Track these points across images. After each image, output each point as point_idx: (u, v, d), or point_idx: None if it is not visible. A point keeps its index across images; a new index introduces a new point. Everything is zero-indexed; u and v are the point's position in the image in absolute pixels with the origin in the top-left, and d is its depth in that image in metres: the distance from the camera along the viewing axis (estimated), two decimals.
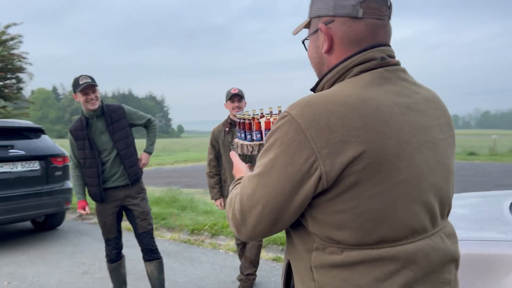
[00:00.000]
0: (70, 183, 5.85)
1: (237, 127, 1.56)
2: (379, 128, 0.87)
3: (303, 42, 1.14)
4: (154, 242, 3.45)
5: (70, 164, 3.38)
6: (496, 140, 24.66)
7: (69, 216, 7.19)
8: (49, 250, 5.19)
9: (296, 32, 1.15)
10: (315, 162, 0.86)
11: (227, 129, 3.63)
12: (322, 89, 1.04)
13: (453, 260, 1.01)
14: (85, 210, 3.34)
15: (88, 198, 3.40)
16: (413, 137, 0.91)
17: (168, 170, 16.32)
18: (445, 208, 1.01)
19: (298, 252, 0.99)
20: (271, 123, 1.40)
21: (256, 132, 1.46)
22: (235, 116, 3.60)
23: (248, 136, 1.48)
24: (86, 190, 3.36)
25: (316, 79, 1.08)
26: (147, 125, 3.54)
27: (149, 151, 3.57)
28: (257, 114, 1.46)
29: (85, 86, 3.11)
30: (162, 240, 5.62)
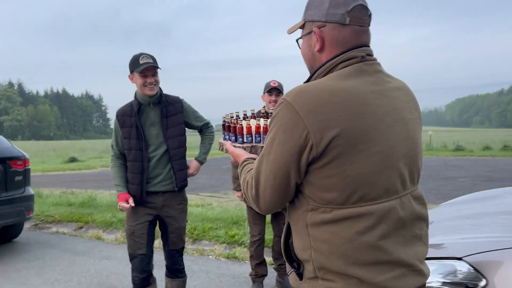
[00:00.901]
0: (31, 189, 5.21)
1: (224, 130, 1.66)
2: (356, 109, 1.10)
3: (297, 41, 1.35)
4: (182, 260, 3.06)
5: (112, 153, 2.91)
6: (431, 135, 26.30)
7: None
8: (13, 267, 4.54)
9: (290, 32, 1.35)
10: (308, 135, 1.09)
11: None
12: None
13: (421, 218, 1.23)
14: (128, 203, 2.72)
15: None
16: (385, 117, 1.14)
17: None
18: (414, 175, 1.22)
19: (297, 214, 1.21)
20: (261, 127, 1.57)
21: (247, 135, 1.58)
22: (269, 109, 3.40)
23: (240, 139, 1.59)
24: None
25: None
26: (203, 129, 3.11)
27: (201, 160, 3.09)
28: (236, 118, 1.62)
29: (146, 68, 2.65)
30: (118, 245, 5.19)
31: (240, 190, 3.50)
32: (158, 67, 2.72)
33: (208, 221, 5.84)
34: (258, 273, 3.65)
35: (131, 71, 2.72)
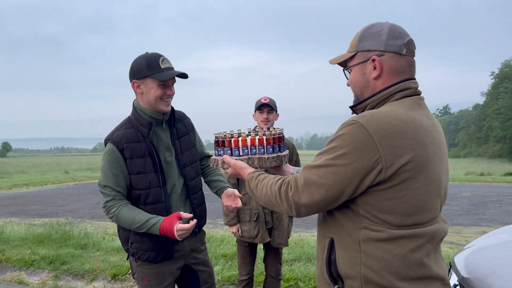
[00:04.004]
0: None
1: (217, 146, 1.69)
2: (423, 140, 1.21)
3: (344, 70, 1.43)
4: None
5: (106, 199, 2.03)
6: None
7: None
8: None
9: (337, 62, 1.43)
10: (379, 159, 1.17)
11: None
12: (365, 107, 1.35)
13: (445, 236, 1.38)
14: (190, 221, 1.98)
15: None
16: (438, 149, 1.27)
17: (7, 196, 13.54)
18: (444, 202, 1.36)
19: (347, 231, 1.27)
20: (256, 140, 1.63)
21: (243, 148, 1.63)
22: (263, 129, 3.01)
23: (236, 152, 1.64)
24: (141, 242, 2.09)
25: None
26: (205, 158, 2.45)
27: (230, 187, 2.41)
28: (232, 134, 1.67)
29: (172, 74, 2.01)
30: None
31: (235, 225, 3.06)
32: (186, 76, 2.09)
33: None
34: None
35: (143, 77, 2.00)
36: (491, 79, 61.47)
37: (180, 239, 1.97)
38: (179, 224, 1.94)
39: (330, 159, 1.22)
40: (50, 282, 4.61)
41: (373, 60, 1.32)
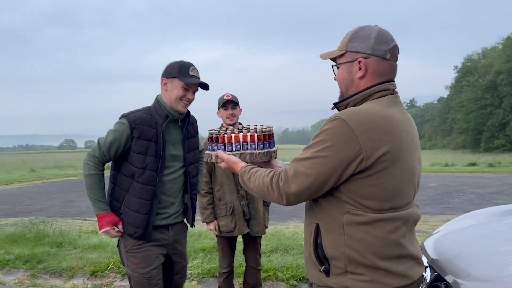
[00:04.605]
0: None
1: (211, 141, 1.80)
2: (398, 134, 1.37)
3: (333, 66, 1.59)
4: None
5: (88, 158, 2.27)
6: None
7: None
8: None
9: (326, 58, 1.57)
10: (360, 151, 1.31)
11: None
12: (347, 105, 1.49)
13: (417, 221, 1.53)
14: (117, 228, 2.25)
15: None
16: (411, 142, 1.43)
17: None
18: (417, 189, 1.52)
19: (331, 215, 1.41)
20: (248, 136, 1.74)
21: (236, 144, 1.74)
22: (229, 125, 3.09)
23: (229, 148, 1.75)
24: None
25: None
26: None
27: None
28: (223, 131, 1.79)
29: (195, 83, 2.32)
30: None
31: (212, 221, 3.17)
32: (208, 88, 2.39)
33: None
34: None
35: (172, 76, 2.30)
36: (455, 73, 63.80)
37: (100, 231, 2.26)
38: (110, 229, 2.26)
39: (316, 152, 1.35)
40: (27, 281, 4.57)
41: (359, 62, 1.45)
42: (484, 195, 10.32)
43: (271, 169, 1.52)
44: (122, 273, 4.59)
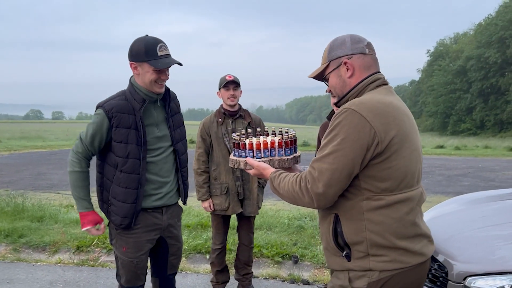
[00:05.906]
0: None
1: (237, 148, 1.84)
2: (401, 118, 1.49)
3: (324, 80, 1.69)
4: (175, 283, 2.60)
5: (72, 155, 2.23)
6: None
7: None
8: None
9: (315, 75, 1.69)
10: (375, 134, 1.40)
11: (220, 119, 3.22)
12: (347, 100, 1.57)
13: (424, 201, 1.63)
14: (99, 230, 2.26)
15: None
16: (412, 125, 1.55)
17: None
18: (421, 169, 1.62)
19: (350, 204, 1.48)
20: (275, 142, 1.77)
21: (265, 151, 1.77)
22: (229, 106, 3.09)
23: (258, 154, 1.78)
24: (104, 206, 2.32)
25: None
26: None
27: None
28: (248, 139, 1.84)
29: (168, 63, 2.17)
30: (41, 266, 4.27)
31: (207, 200, 3.24)
32: (181, 64, 2.24)
33: None
34: (219, 280, 3.50)
35: (140, 60, 2.16)
36: (427, 56, 65.19)
37: (82, 229, 2.24)
38: (92, 228, 2.24)
39: (335, 145, 1.42)
40: (10, 255, 4.52)
41: (345, 63, 1.58)
42: (451, 177, 10.69)
43: (297, 173, 1.56)
44: (108, 249, 4.61)
